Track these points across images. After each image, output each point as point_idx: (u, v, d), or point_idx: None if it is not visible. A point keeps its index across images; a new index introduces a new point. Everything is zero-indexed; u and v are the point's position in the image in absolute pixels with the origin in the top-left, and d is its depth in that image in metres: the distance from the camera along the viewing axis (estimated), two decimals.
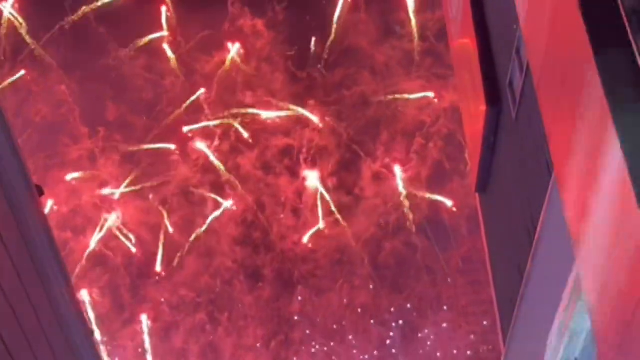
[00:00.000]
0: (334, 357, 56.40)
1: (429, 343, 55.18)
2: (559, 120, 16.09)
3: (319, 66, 58.87)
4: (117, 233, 56.30)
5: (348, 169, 57.90)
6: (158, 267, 56.60)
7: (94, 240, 55.31)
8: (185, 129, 57.49)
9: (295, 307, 56.78)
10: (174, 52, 58.28)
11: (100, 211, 56.58)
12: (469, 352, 54.82)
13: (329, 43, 58.78)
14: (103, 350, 52.60)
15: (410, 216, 56.12)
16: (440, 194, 55.91)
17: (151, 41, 58.29)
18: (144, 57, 58.36)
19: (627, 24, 12.93)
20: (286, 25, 59.05)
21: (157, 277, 56.92)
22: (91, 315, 53.01)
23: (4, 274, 12.47)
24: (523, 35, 18.27)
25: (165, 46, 58.34)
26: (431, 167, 56.67)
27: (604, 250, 14.12)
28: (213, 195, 57.65)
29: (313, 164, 57.66)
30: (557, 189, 16.64)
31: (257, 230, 57.38)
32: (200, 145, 57.38)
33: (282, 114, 57.88)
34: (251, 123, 58.17)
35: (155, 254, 56.66)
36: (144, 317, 55.84)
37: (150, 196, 57.04)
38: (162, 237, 56.60)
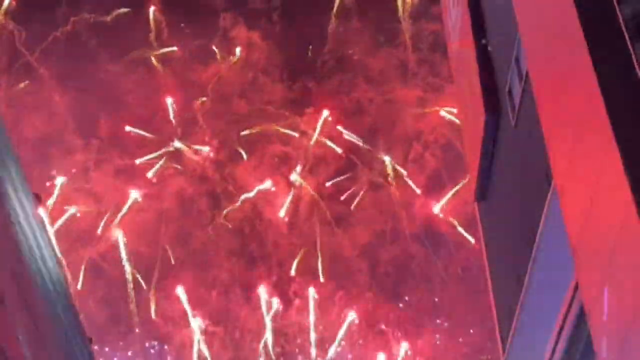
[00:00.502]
0: None
1: (426, 352, 55.11)
2: (558, 129, 16.12)
3: (315, 75, 59.08)
4: (115, 245, 56.18)
5: (345, 177, 57.90)
6: (154, 279, 56.45)
7: (90, 253, 55.15)
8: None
9: (291, 318, 56.72)
10: (167, 63, 58.32)
11: (94, 223, 56.45)
12: None
13: (323, 52, 58.97)
14: None
15: (408, 225, 56.16)
16: (438, 202, 55.92)
17: (144, 52, 58.27)
18: (137, 68, 58.33)
19: (625, 33, 12.98)
20: (281, 36, 59.14)
21: (153, 289, 56.73)
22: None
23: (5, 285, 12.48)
24: (522, 43, 18.34)
25: (157, 57, 58.32)
26: (429, 175, 56.72)
27: (603, 258, 14.13)
28: (209, 205, 57.58)
29: (309, 172, 57.71)
30: (556, 197, 16.66)
31: (253, 240, 57.33)
32: (196, 156, 57.36)
33: (278, 122, 57.95)
34: (247, 132, 58.22)
35: (151, 266, 56.50)
36: (139, 329, 55.70)
37: (145, 209, 56.90)
38: (158, 249, 56.49)
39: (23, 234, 14.70)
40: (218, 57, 59.63)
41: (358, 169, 58.24)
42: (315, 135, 58.47)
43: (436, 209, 56.27)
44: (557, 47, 15.61)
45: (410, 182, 57.28)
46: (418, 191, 57.07)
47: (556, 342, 19.16)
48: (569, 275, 16.96)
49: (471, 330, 54.65)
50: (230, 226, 57.91)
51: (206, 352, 55.44)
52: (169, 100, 58.77)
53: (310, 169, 58.31)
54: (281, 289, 56.99)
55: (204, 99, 58.95)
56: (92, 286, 55.23)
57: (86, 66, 57.54)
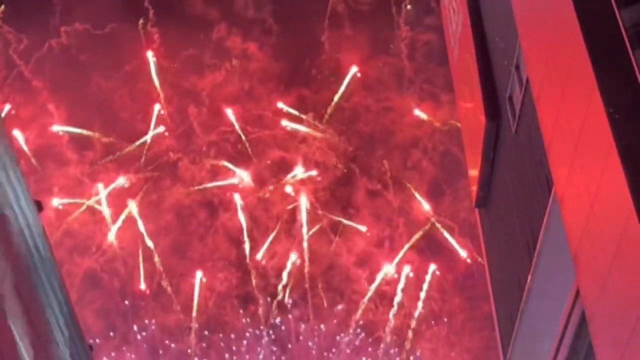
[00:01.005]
0: None
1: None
2: (559, 135, 16.14)
3: (310, 83, 59.19)
4: (112, 256, 56.01)
5: (342, 184, 57.90)
6: (145, 288, 56.27)
7: (87, 263, 54.99)
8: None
9: (289, 327, 56.60)
10: (162, 74, 58.20)
11: (89, 235, 56.34)
12: None
13: (319, 61, 59.11)
14: None
15: (407, 232, 56.09)
16: (437, 208, 55.93)
17: (139, 62, 58.22)
18: (132, 79, 58.26)
19: (626, 40, 13.02)
20: (276, 45, 59.15)
21: (150, 300, 56.55)
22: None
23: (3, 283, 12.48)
24: (523, 50, 18.37)
25: (153, 67, 58.25)
26: (428, 182, 56.72)
27: (604, 264, 14.15)
28: (207, 215, 57.50)
29: (307, 180, 57.66)
30: (557, 203, 16.68)
31: (251, 249, 57.20)
32: (193, 165, 57.29)
33: (275, 130, 57.99)
34: (243, 141, 58.17)
35: (148, 276, 56.39)
36: (135, 340, 55.51)
37: (141, 220, 56.80)
38: (154, 260, 56.39)
39: (23, 239, 14.72)
40: (213, 67, 59.63)
41: (356, 175, 58.25)
42: (313, 142, 58.52)
43: (435, 215, 56.24)
44: (558, 54, 15.65)
45: (409, 188, 57.28)
46: (417, 198, 57.06)
47: (557, 349, 19.15)
48: (570, 281, 16.96)
49: (472, 338, 54.55)
50: (226, 234, 57.87)
51: None
52: (164, 111, 58.71)
53: (307, 177, 58.30)
54: (277, 297, 56.90)
55: (200, 108, 58.89)
56: (88, 296, 55.10)
57: (80, 78, 57.42)
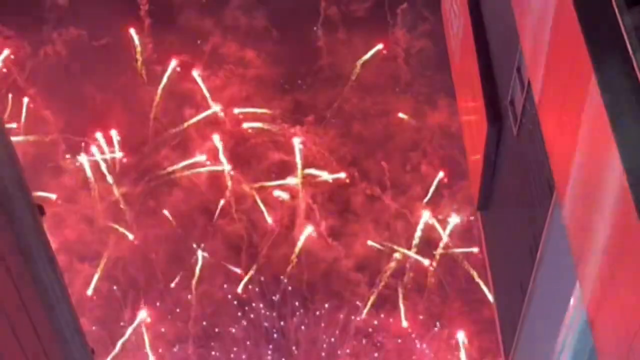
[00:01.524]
0: None
1: None
2: (560, 138, 16.15)
3: (307, 87, 59.29)
4: (109, 264, 55.97)
5: (341, 188, 57.92)
6: (149, 296, 56.24)
7: (85, 271, 54.94)
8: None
9: (288, 330, 56.54)
10: (157, 82, 58.19)
11: (88, 243, 56.27)
12: None
13: (314, 65, 59.22)
14: None
15: (406, 235, 56.05)
16: (438, 212, 55.87)
17: (136, 68, 58.23)
18: (129, 85, 58.24)
19: (627, 42, 13.02)
20: (272, 51, 59.26)
21: (148, 307, 56.41)
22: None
23: (6, 294, 12.48)
24: (524, 53, 18.38)
25: (147, 76, 58.32)
26: (428, 185, 56.71)
27: (606, 267, 14.13)
28: (205, 220, 57.51)
29: (305, 184, 57.64)
30: (558, 206, 16.67)
31: (249, 253, 57.17)
32: (190, 171, 57.25)
33: (274, 131, 58.00)
34: (242, 144, 58.20)
35: (146, 284, 56.37)
36: (133, 347, 55.38)
37: (139, 227, 56.75)
38: (153, 267, 56.34)
39: (25, 243, 14.73)
40: (209, 74, 59.66)
41: (355, 179, 58.27)
42: (311, 146, 58.57)
43: (437, 219, 56.24)
44: (559, 57, 15.65)
45: (408, 192, 57.31)
46: (417, 201, 57.08)
47: (560, 352, 19.12)
48: (572, 284, 16.94)
49: (474, 341, 54.52)
50: (225, 239, 57.85)
51: None
52: (160, 118, 58.77)
53: (306, 180, 58.30)
54: (276, 301, 56.92)
55: (197, 117, 58.93)
56: (87, 305, 55.01)
57: (75, 86, 57.41)
